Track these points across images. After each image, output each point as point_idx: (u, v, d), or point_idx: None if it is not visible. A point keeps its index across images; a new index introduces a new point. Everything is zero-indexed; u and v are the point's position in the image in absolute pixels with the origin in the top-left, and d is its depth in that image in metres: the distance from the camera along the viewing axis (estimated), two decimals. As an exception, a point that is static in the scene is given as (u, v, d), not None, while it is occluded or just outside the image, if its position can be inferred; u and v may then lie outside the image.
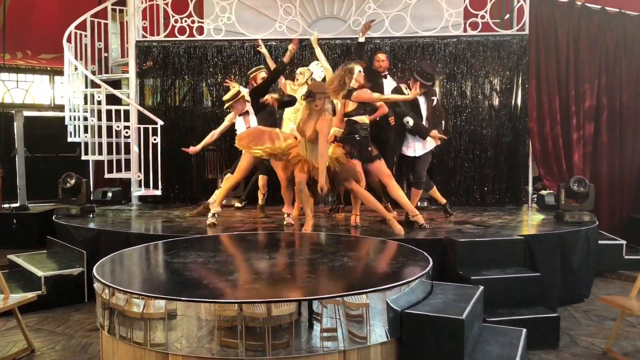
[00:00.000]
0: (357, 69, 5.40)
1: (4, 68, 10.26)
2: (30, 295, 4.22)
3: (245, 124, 6.37)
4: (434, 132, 5.86)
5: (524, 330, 3.42)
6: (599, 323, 4.89)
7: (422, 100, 5.92)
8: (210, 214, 5.76)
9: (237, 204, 7.18)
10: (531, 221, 6.24)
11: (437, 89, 6.90)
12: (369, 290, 2.88)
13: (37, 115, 10.70)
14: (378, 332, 2.92)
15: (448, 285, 3.64)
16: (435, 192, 6.33)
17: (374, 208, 5.34)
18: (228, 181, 5.79)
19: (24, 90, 10.72)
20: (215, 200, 5.90)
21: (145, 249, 4.15)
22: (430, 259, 3.57)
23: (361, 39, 6.59)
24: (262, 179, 6.65)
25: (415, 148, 5.98)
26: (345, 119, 5.53)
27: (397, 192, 5.53)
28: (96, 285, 3.19)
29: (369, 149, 5.53)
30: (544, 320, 4.29)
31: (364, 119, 5.53)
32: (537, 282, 4.57)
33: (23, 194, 10.33)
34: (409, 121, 5.80)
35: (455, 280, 4.46)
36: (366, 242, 4.54)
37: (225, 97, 6.20)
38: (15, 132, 10.33)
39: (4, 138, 8.66)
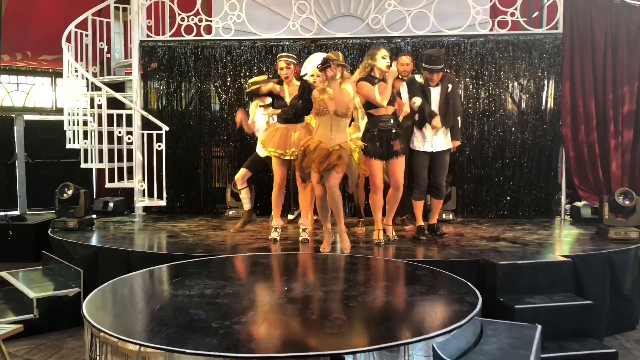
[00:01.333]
0: (382, 53, 4.94)
1: (4, 70, 9.82)
2: (15, 327, 3.72)
3: (264, 117, 5.83)
4: (436, 120, 5.15)
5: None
6: (656, 356, 4.34)
7: (436, 90, 5.24)
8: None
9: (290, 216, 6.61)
10: (570, 237, 5.69)
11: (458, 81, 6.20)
12: (414, 340, 2.36)
13: (38, 119, 10.24)
14: (424, 389, 2.40)
15: (499, 324, 3.10)
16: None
17: (335, 213, 4.77)
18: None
19: (25, 93, 10.26)
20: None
21: (146, 275, 3.65)
22: (479, 294, 3.04)
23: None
24: None
25: (433, 142, 5.25)
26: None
27: (394, 200, 5.12)
28: (86, 324, 2.70)
29: (392, 143, 4.95)
30: (600, 357, 3.76)
31: (385, 110, 4.94)
32: (588, 311, 4.04)
33: (23, 201, 9.91)
34: (416, 101, 5.15)
35: (494, 309, 3.98)
36: (397, 267, 4.00)
37: (253, 80, 5.64)
38: (16, 137, 9.91)
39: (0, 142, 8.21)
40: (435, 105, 5.25)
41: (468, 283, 3.30)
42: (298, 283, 3.45)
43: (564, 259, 4.43)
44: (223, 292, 3.11)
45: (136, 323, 2.71)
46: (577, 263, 4.52)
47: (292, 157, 5.06)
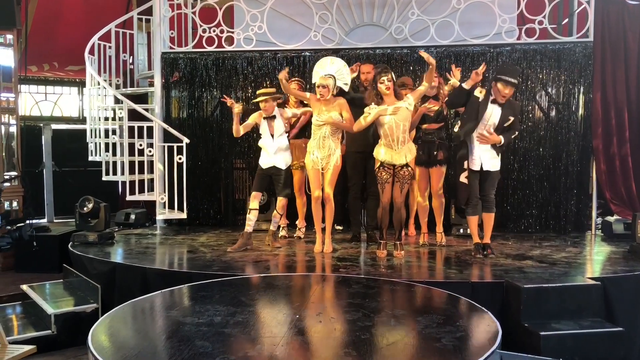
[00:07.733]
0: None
1: (32, 80, 9.97)
2: (28, 348, 3.71)
3: (269, 129, 5.71)
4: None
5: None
6: (693, 387, 4.10)
7: (498, 110, 5.01)
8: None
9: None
10: (601, 256, 5.45)
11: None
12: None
13: (65, 128, 10.36)
14: None
15: (520, 358, 2.94)
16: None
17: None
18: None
19: (53, 102, 10.39)
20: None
21: (157, 299, 3.58)
22: (499, 325, 2.88)
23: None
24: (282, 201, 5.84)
25: (482, 162, 5.06)
26: None
27: (436, 209, 5.77)
28: (89, 354, 2.64)
29: (435, 152, 5.59)
30: (632, 389, 3.56)
31: (429, 126, 5.58)
32: (619, 338, 3.83)
33: (50, 210, 10.03)
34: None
35: (518, 334, 3.81)
36: (414, 293, 3.84)
37: (261, 91, 5.70)
38: (43, 146, 10.05)
39: (26, 152, 8.27)
40: (492, 126, 5.03)
41: (488, 312, 3.15)
42: (310, 310, 3.33)
43: (593, 282, 4.22)
44: (232, 320, 3.02)
45: (139, 355, 2.63)
46: (608, 286, 4.31)
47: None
